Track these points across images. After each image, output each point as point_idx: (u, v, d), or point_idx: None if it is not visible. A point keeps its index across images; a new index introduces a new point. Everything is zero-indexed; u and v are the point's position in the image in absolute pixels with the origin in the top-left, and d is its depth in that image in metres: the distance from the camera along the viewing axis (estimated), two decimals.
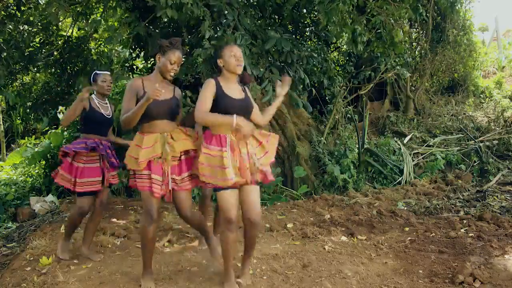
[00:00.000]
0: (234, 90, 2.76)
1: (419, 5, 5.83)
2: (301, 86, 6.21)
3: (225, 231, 2.70)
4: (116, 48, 7.24)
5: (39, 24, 6.21)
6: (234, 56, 2.70)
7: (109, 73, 3.57)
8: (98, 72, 3.53)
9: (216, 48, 2.89)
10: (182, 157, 2.86)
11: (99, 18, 6.07)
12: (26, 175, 7.40)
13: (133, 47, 6.54)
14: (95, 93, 3.52)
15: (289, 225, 4.46)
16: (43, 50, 6.32)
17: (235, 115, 2.62)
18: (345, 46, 9.29)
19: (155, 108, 2.73)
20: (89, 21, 6.26)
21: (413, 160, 7.49)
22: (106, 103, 3.54)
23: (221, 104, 2.67)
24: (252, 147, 2.73)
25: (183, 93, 5.76)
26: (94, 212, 3.49)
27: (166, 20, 4.80)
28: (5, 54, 5.41)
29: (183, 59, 3.41)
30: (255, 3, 6.04)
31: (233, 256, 2.83)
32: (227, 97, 2.69)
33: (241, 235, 3.02)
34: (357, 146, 7.20)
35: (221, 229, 2.83)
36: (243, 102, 2.76)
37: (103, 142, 3.42)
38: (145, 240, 2.79)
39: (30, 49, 5.97)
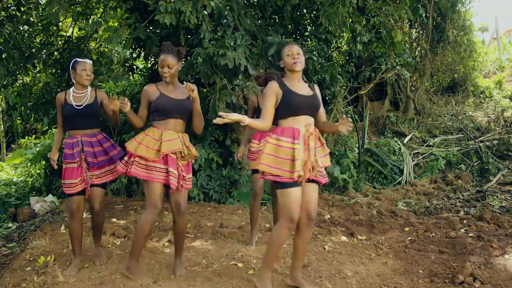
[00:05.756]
0: (300, 88, 2.75)
1: (419, 6, 5.83)
2: None
3: (285, 228, 2.63)
4: (116, 48, 7.24)
5: (39, 24, 6.21)
6: (290, 55, 2.69)
7: (90, 61, 3.24)
8: (78, 59, 3.22)
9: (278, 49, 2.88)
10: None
11: (99, 19, 6.07)
12: (26, 175, 7.41)
13: (133, 47, 6.54)
14: (74, 84, 3.24)
15: None
16: (43, 50, 6.31)
17: None
18: (345, 46, 9.29)
19: (169, 107, 2.87)
20: (90, 22, 6.25)
21: (413, 160, 7.49)
22: (84, 92, 3.21)
23: (288, 100, 2.66)
24: (316, 144, 2.72)
25: None
26: (92, 217, 3.32)
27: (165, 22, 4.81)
28: (5, 54, 5.41)
29: (183, 63, 3.43)
30: (255, 4, 6.03)
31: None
32: (293, 93, 2.68)
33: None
34: (357, 146, 7.20)
35: (279, 225, 2.68)
36: (311, 98, 2.76)
37: (84, 139, 3.15)
38: (144, 232, 2.81)
39: (32, 49, 5.97)
